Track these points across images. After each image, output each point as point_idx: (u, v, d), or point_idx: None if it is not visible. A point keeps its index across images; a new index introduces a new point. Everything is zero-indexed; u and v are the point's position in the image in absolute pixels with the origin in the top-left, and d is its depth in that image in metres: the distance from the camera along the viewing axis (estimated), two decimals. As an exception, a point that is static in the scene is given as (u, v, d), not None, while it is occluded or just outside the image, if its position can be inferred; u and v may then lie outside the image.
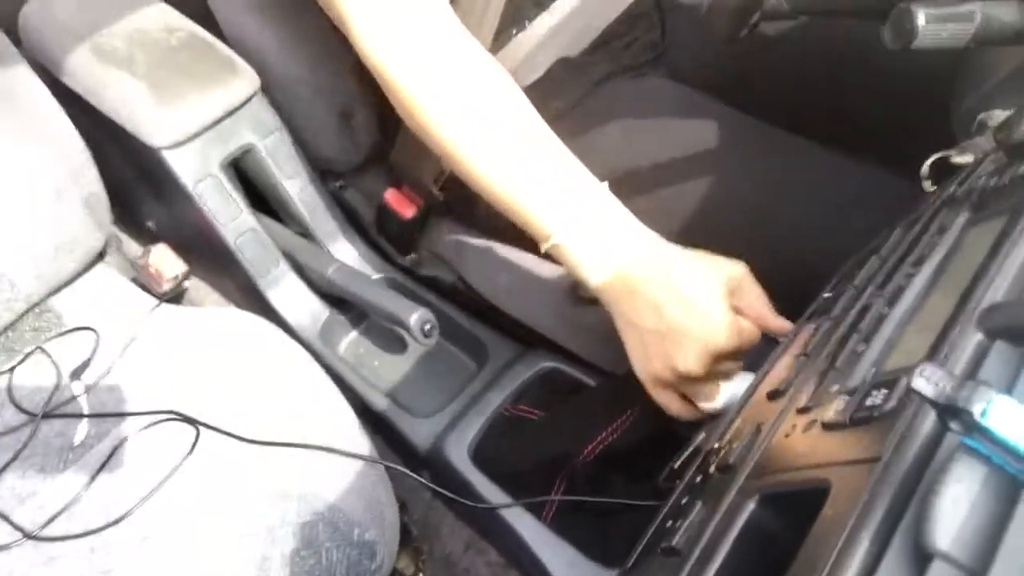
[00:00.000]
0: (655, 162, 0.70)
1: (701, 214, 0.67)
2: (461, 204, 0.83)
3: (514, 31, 0.78)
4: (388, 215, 0.86)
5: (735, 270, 0.55)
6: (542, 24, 0.77)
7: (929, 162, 0.50)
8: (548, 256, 0.58)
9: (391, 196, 0.85)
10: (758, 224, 0.65)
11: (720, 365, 0.53)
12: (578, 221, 0.56)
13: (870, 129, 0.78)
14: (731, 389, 0.54)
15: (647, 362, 0.55)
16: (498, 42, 0.78)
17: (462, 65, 0.59)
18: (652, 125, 0.75)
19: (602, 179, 0.70)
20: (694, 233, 0.67)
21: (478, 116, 0.58)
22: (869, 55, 0.69)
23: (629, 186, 0.70)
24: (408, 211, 0.84)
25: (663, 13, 0.89)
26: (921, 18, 0.41)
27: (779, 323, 0.55)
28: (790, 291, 0.58)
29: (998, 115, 0.49)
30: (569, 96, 0.80)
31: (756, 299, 0.56)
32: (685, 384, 0.54)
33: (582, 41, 0.82)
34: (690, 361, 0.52)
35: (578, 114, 0.79)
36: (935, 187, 0.49)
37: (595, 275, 0.56)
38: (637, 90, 0.82)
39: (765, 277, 0.64)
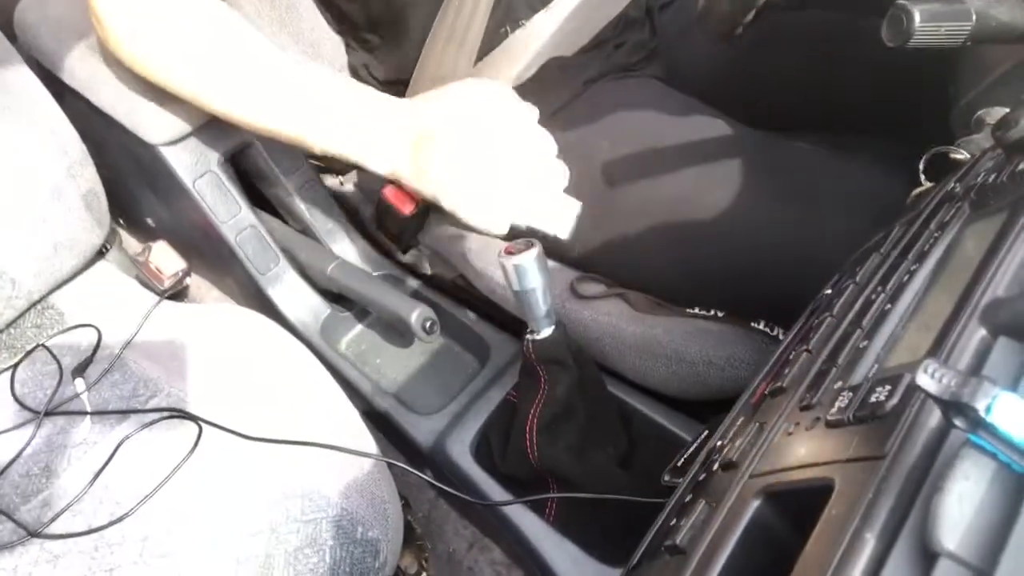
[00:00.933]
0: (643, 161, 0.70)
1: (688, 214, 0.67)
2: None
3: (507, 29, 0.78)
4: (387, 211, 0.86)
5: None
6: (536, 24, 0.77)
7: (927, 157, 0.50)
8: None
9: (390, 192, 0.85)
10: (747, 223, 0.65)
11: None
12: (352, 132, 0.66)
13: (862, 128, 0.79)
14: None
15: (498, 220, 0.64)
16: (490, 40, 0.78)
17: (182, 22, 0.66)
18: (640, 125, 0.75)
19: (591, 176, 0.71)
20: (682, 231, 0.67)
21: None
22: (859, 52, 0.69)
23: (617, 184, 0.71)
24: (407, 207, 0.84)
25: (652, 13, 0.89)
26: (917, 16, 0.41)
27: None
28: (785, 290, 0.58)
29: (996, 112, 0.49)
30: (561, 95, 0.80)
31: None
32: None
33: (576, 42, 0.82)
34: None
35: (569, 112, 0.79)
36: (932, 183, 0.50)
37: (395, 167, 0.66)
38: (626, 90, 0.82)
39: (759, 275, 0.64)
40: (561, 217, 0.65)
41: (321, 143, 0.67)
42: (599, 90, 0.81)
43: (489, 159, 0.64)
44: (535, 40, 0.76)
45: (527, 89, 0.77)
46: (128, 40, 0.67)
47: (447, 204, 0.66)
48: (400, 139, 0.66)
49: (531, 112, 0.67)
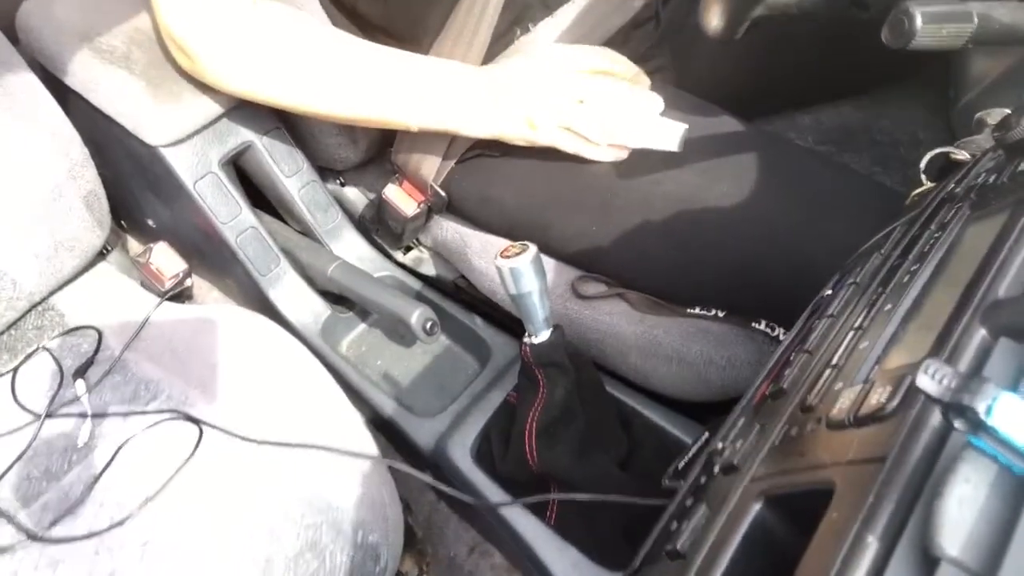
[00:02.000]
0: (644, 159, 0.70)
1: (689, 212, 0.67)
2: (463, 200, 0.83)
3: (518, 32, 0.78)
4: (389, 212, 0.86)
5: None
6: (541, 31, 0.77)
7: (927, 158, 0.50)
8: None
9: (392, 193, 0.85)
10: (748, 222, 0.65)
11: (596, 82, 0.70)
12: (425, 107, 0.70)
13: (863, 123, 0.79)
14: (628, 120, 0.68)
15: (547, 112, 0.69)
16: (501, 42, 0.78)
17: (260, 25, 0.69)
18: None
19: (595, 174, 0.71)
20: (683, 229, 0.67)
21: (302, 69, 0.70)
22: (858, 47, 0.70)
23: (619, 182, 0.71)
24: (409, 208, 0.84)
25: (659, 12, 0.89)
26: (919, 18, 0.41)
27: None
28: (786, 290, 0.58)
29: (997, 113, 0.49)
30: None
31: None
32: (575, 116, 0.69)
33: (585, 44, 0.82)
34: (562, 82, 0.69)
35: None
36: (932, 183, 0.50)
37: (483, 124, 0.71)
38: None
39: (760, 274, 0.64)
40: (669, 133, 0.67)
41: (419, 122, 0.71)
42: None
43: (578, 95, 0.69)
44: (541, 44, 0.76)
45: None
46: (218, 64, 0.71)
47: (569, 148, 0.71)
48: (496, 101, 0.70)
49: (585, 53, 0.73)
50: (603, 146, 0.70)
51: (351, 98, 0.71)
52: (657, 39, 0.86)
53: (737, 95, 0.81)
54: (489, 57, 0.77)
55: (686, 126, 0.67)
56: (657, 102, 0.70)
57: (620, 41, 0.83)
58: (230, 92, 0.74)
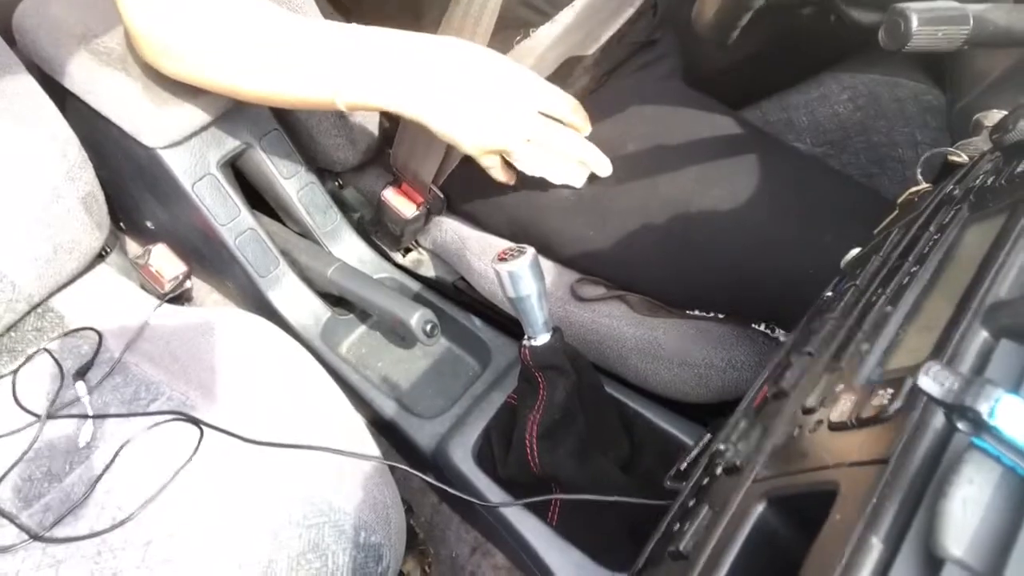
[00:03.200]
0: (644, 161, 0.70)
1: (688, 214, 0.67)
2: (462, 202, 0.83)
3: (518, 38, 0.77)
4: (388, 214, 0.86)
5: None
6: (540, 36, 0.77)
7: (924, 158, 0.51)
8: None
9: (391, 194, 0.85)
10: (748, 224, 0.65)
11: (545, 125, 0.66)
12: (354, 72, 0.64)
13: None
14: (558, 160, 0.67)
15: (479, 133, 0.65)
16: (501, 48, 0.78)
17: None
18: (644, 124, 0.75)
19: (598, 179, 0.71)
20: (682, 231, 0.67)
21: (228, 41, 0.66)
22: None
23: (619, 183, 0.71)
24: (408, 209, 0.84)
25: (656, 8, 0.89)
26: (915, 21, 0.42)
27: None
28: (786, 292, 0.59)
29: (994, 115, 0.50)
30: (573, 91, 0.80)
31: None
32: (513, 143, 0.66)
33: (587, 46, 0.82)
34: (517, 108, 0.64)
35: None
36: (929, 184, 0.50)
37: (404, 99, 0.64)
38: (636, 88, 0.82)
39: (760, 276, 0.64)
40: (575, 169, 0.66)
41: (346, 99, 0.65)
42: (611, 88, 0.81)
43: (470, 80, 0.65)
44: (540, 48, 0.76)
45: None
46: (155, 44, 0.68)
47: (436, 125, 0.65)
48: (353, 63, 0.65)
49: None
50: (564, 168, 0.69)
51: (271, 71, 0.66)
52: (656, 27, 0.86)
53: (737, 80, 0.81)
54: None
55: (608, 166, 0.69)
56: (604, 166, 0.70)
57: (620, 32, 0.83)
58: (169, 74, 0.71)
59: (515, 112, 0.65)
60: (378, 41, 0.65)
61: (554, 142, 0.68)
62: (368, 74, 0.64)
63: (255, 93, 0.69)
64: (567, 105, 0.69)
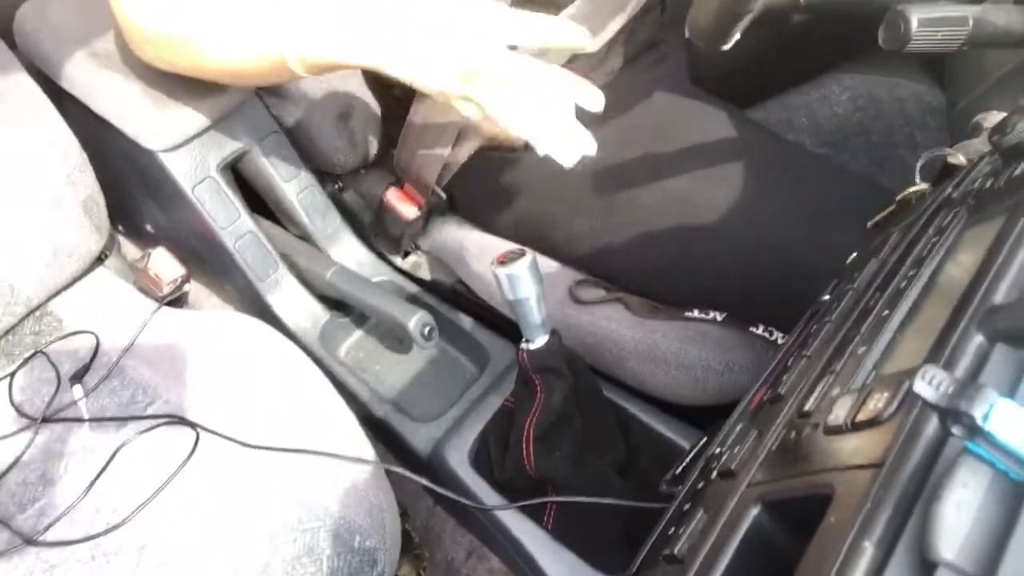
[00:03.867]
0: (645, 160, 0.70)
1: (689, 213, 0.67)
2: (465, 201, 0.83)
3: None
4: (389, 215, 0.86)
5: None
6: None
7: (923, 159, 0.50)
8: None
9: (392, 196, 0.85)
10: (748, 224, 0.65)
11: (517, 63, 0.54)
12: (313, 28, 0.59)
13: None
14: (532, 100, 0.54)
15: (440, 72, 0.55)
16: None
17: None
18: (645, 124, 0.75)
19: (604, 176, 0.70)
20: (682, 230, 0.67)
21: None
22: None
23: (620, 182, 0.71)
24: (410, 211, 0.84)
25: (664, 7, 0.89)
26: (915, 21, 0.42)
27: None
28: (785, 293, 0.58)
29: (993, 117, 0.49)
30: None
31: None
32: (480, 83, 0.55)
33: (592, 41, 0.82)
34: (480, 41, 0.54)
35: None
36: (928, 185, 0.50)
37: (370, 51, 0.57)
38: (639, 88, 0.82)
39: (759, 276, 0.64)
40: (569, 148, 0.54)
41: (312, 55, 0.60)
42: (617, 86, 0.81)
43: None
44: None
45: None
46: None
47: (508, 122, 0.56)
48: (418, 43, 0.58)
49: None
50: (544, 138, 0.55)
51: (224, 38, 0.63)
52: (664, 25, 0.86)
53: (741, 81, 0.81)
54: None
55: (593, 143, 0.55)
56: (597, 100, 0.57)
57: (627, 29, 0.83)
58: (157, 64, 0.69)
59: (478, 46, 0.56)
60: None
61: (531, 81, 0.56)
62: (317, 26, 0.59)
63: (216, 65, 0.65)
64: (544, 30, 0.57)
